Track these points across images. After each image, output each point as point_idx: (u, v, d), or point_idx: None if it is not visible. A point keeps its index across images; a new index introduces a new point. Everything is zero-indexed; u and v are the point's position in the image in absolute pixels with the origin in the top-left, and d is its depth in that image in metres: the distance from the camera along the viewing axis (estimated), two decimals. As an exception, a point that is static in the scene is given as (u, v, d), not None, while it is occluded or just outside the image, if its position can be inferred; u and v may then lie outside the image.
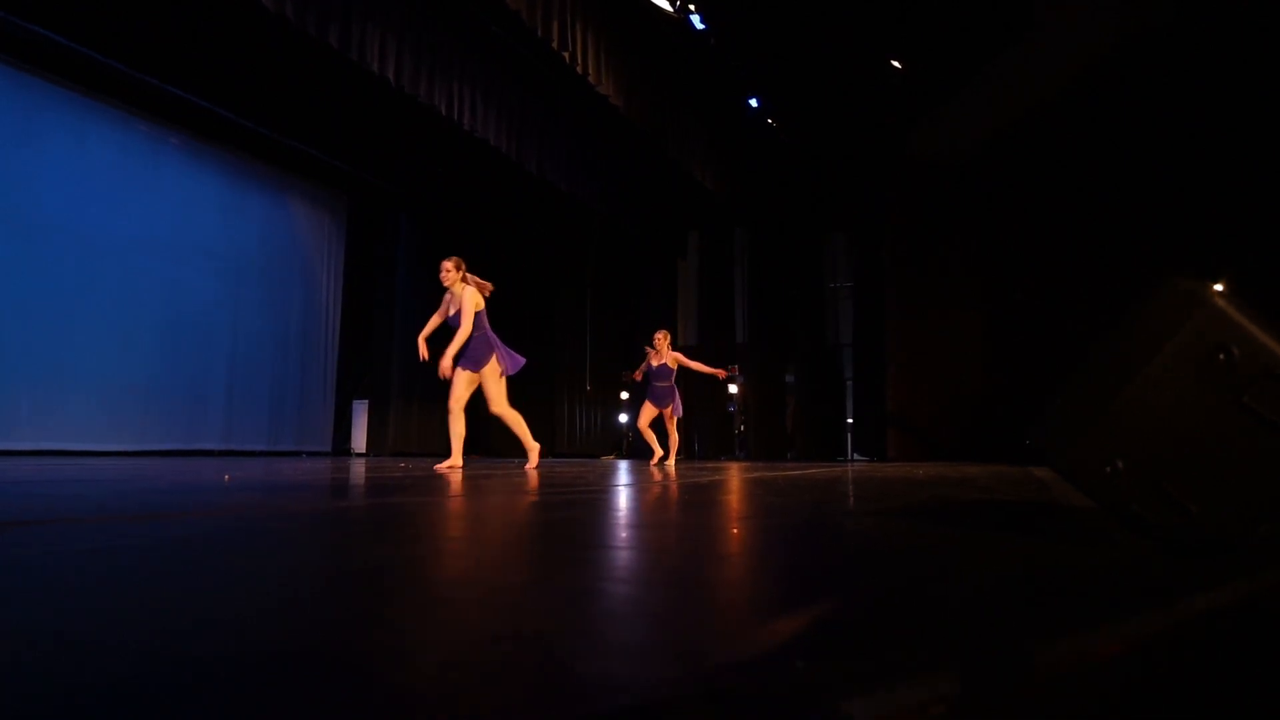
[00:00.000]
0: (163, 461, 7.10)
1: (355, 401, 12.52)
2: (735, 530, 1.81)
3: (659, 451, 8.23)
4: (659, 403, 8.19)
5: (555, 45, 8.29)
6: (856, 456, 12.61)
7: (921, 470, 6.53)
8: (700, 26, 9.33)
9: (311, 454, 11.56)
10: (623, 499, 2.94)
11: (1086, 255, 9.77)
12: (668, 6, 8.98)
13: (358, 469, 5.89)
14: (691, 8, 9.04)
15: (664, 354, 8.16)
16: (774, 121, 11.71)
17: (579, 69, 8.71)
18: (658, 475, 5.07)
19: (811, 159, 12.68)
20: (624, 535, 1.66)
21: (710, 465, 8.38)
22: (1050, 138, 10.06)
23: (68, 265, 8.77)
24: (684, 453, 13.36)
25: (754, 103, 11.19)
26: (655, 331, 8.36)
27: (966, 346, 11.60)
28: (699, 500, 2.87)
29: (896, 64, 9.87)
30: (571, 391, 14.14)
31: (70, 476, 3.74)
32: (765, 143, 12.35)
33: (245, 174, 11.11)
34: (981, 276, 11.51)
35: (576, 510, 2.29)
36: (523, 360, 6.33)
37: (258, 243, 11.27)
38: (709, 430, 13.37)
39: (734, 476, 5.20)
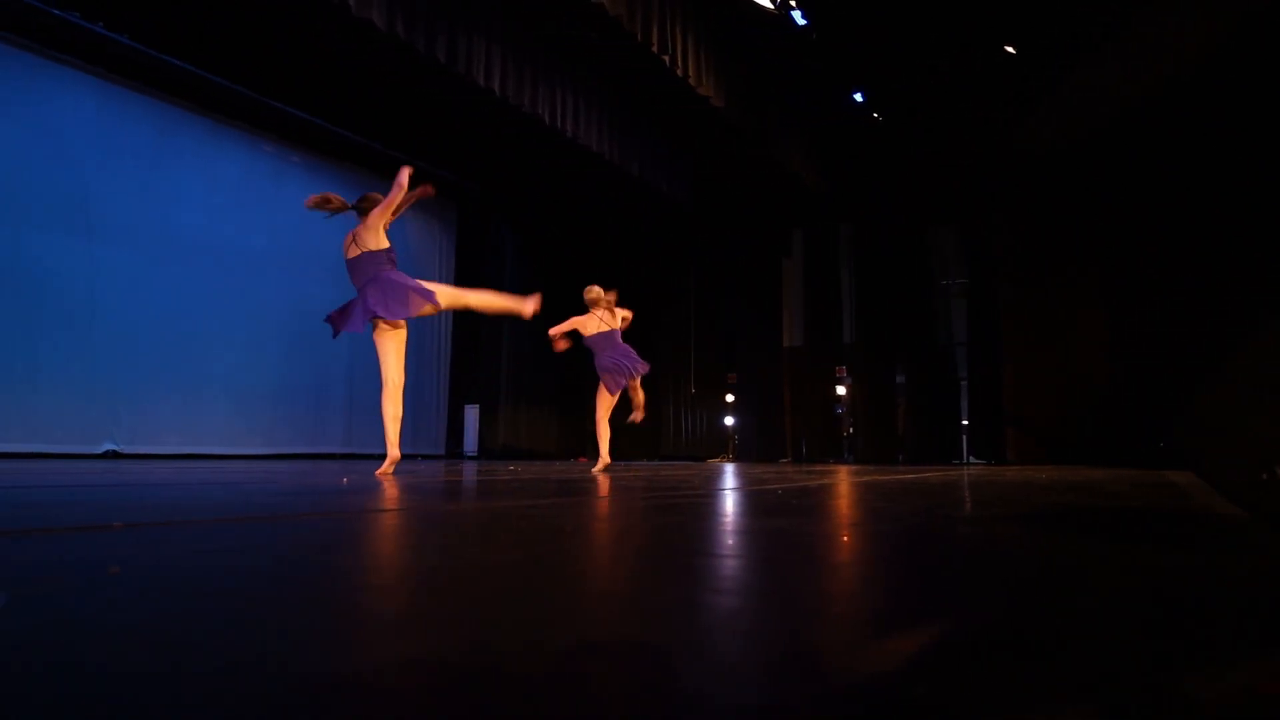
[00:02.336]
0: (290, 464, 7.48)
1: (466, 406, 12.89)
2: (846, 538, 1.75)
3: (606, 458, 6.57)
4: (614, 382, 6.44)
5: (655, 49, 8.31)
6: (972, 459, 12.12)
7: (1044, 474, 6.20)
8: (801, 22, 9.17)
9: (426, 457, 11.96)
10: (729, 503, 2.90)
11: (1217, 247, 9.09)
12: (768, 4, 8.86)
13: (470, 472, 6.04)
14: (792, 4, 8.89)
15: (607, 314, 6.55)
16: (879, 115, 11.39)
17: (679, 71, 8.70)
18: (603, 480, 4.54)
19: (918, 152, 12.28)
20: (730, 542, 1.63)
21: (817, 468, 8.21)
22: (1178, 123, 9.41)
23: (201, 279, 9.35)
24: (791, 454, 13.19)
25: (858, 97, 10.91)
26: (591, 288, 6.65)
27: (1090, 343, 11.00)
28: (807, 505, 2.80)
29: (1010, 49, 9.43)
30: (676, 394, 14.14)
31: (239, 479, 3.97)
32: (869, 137, 12.03)
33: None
34: (1104, 269, 10.89)
35: (684, 516, 2.27)
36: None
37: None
38: (815, 432, 13.11)
39: (842, 480, 5.07)
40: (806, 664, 0.69)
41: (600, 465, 6.44)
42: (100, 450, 8.33)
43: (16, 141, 7.87)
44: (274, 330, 9.95)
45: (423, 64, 7.86)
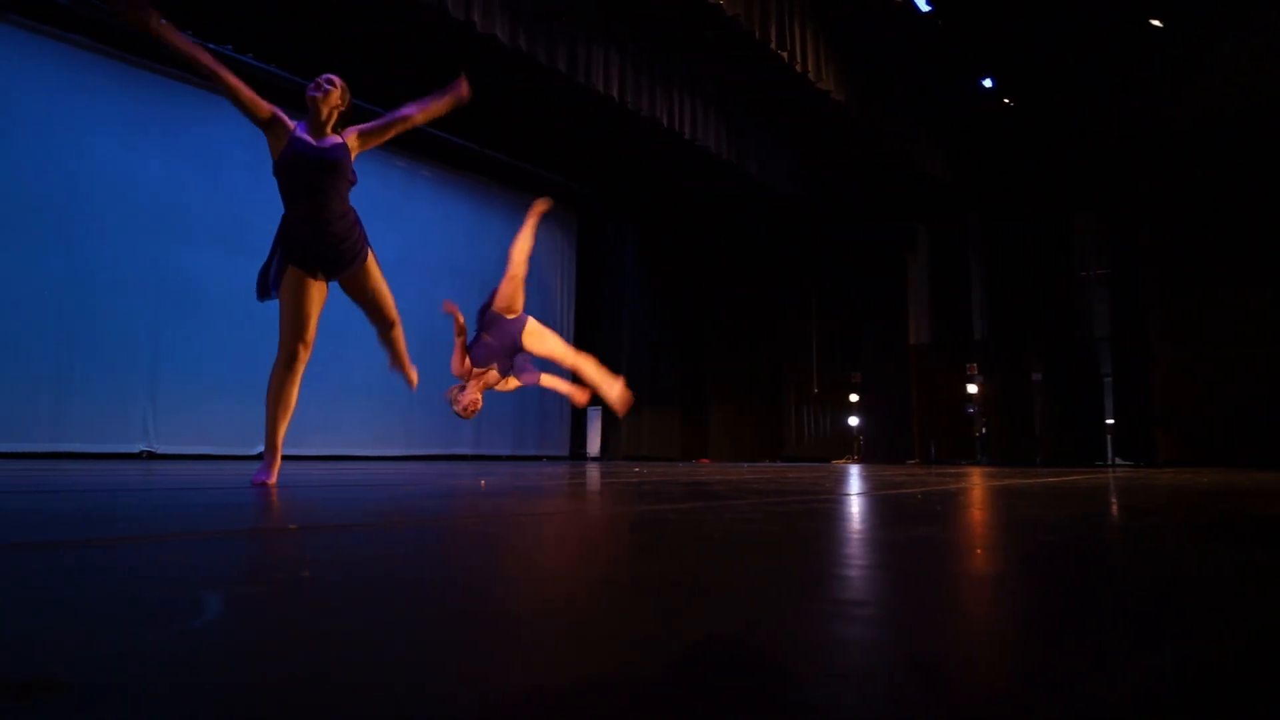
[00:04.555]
0: (427, 465, 7.81)
1: (590, 408, 13.11)
2: (997, 550, 1.68)
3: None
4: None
5: (774, 46, 8.22)
6: (1118, 461, 11.40)
7: (1204, 478, 5.77)
8: (925, 9, 8.87)
9: (551, 458, 12.24)
10: (858, 509, 2.83)
11: None
12: (890, -8, 8.63)
13: (595, 474, 6.14)
14: (916, -10, 8.62)
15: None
16: (1010, 100, 10.88)
17: (798, 67, 8.59)
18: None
19: (1053, 136, 11.66)
20: (865, 553, 1.59)
21: (950, 470, 7.92)
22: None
23: (337, 289, 9.89)
24: (919, 456, 12.76)
25: (987, 83, 10.46)
26: None
27: (1252, 334, 10.16)
28: (942, 512, 2.70)
29: (1156, 22, 8.83)
30: (799, 394, 13.94)
31: (388, 481, 4.19)
32: (998, 123, 11.51)
33: (486, 198, 11.98)
34: (1268, 254, 10.02)
35: (817, 521, 2.24)
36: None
37: (497, 262, 12.05)
38: (945, 432, 12.65)
39: (980, 483, 4.87)
40: (975, 706, 0.67)
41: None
42: (255, 452, 8.94)
43: (176, 166, 8.57)
44: (409, 338, 10.39)
45: (544, 74, 8.05)
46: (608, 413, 12.93)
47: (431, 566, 1.30)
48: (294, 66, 8.77)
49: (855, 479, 5.38)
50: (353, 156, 3.36)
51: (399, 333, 3.91)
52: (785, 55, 8.42)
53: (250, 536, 1.64)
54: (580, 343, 13.26)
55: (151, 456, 8.09)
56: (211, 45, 8.24)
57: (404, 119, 3.48)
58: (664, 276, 13.68)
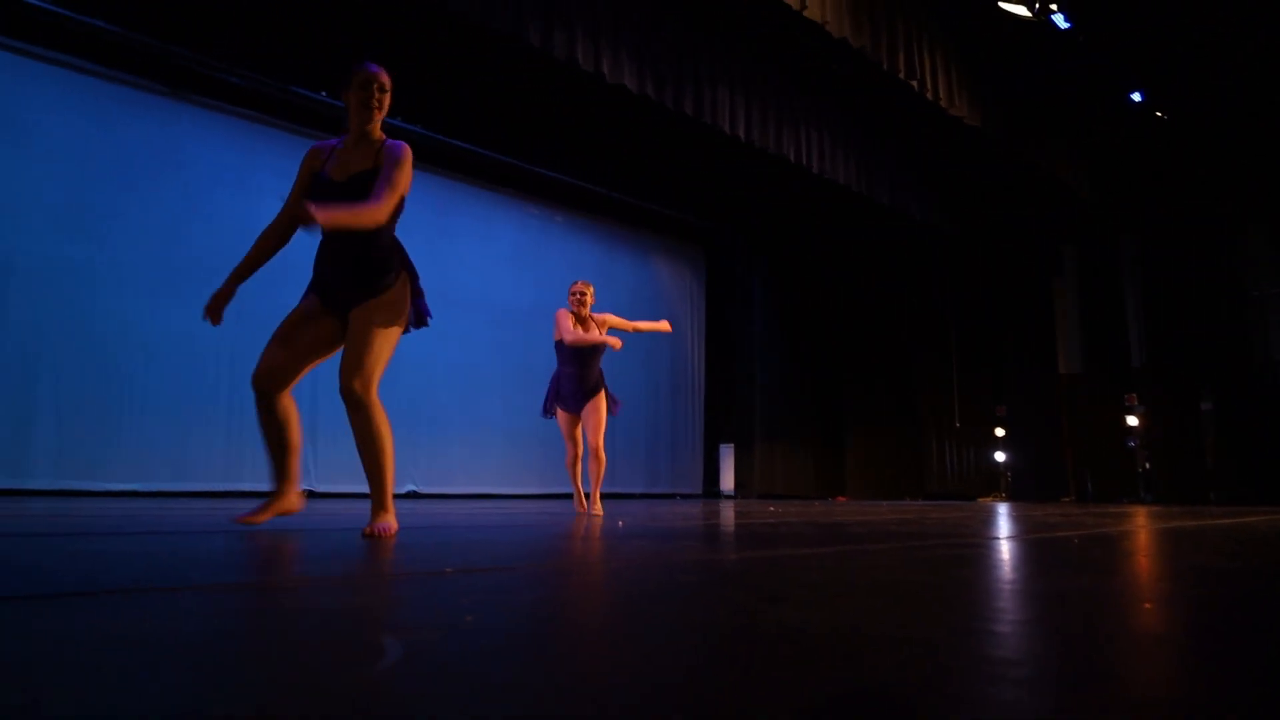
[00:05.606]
0: (561, 505, 7.99)
1: (722, 445, 13.07)
2: (1147, 606, 1.58)
3: (583, 505, 5.59)
4: (568, 403, 5.48)
5: (902, 75, 8.10)
6: (1308, 498, 10.33)
7: None
8: (1064, 26, 8.52)
9: (685, 496, 12.25)
10: (1008, 554, 2.71)
11: None
12: (1025, 12, 8.33)
13: (729, 513, 6.11)
14: (1053, 7, 8.30)
15: (581, 318, 5.53)
16: (1163, 114, 10.24)
17: (928, 95, 8.41)
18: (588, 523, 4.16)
19: (1216, 147, 10.86)
20: (1017, 605, 1.53)
21: (1110, 509, 7.41)
22: None
23: (481, 334, 10.33)
24: (1074, 493, 11.98)
25: (1136, 97, 9.89)
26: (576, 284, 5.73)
27: None
28: (1103, 558, 2.55)
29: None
30: (940, 427, 13.41)
31: (528, 521, 4.35)
32: (1152, 138, 10.84)
33: (615, 240, 12.28)
34: None
35: (964, 568, 2.16)
36: None
37: (628, 301, 12.33)
38: (1103, 468, 11.84)
39: (1142, 525, 4.54)
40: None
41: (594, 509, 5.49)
42: (403, 490, 9.40)
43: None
44: (543, 378, 10.72)
45: (670, 118, 8.22)
46: (741, 449, 12.85)
47: (576, 611, 1.35)
48: (447, 130, 9.35)
49: (1004, 520, 5.13)
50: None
51: (372, 415, 2.82)
52: (915, 84, 8.27)
53: (411, 580, 1.74)
54: (712, 377, 13.30)
55: (312, 495, 8.65)
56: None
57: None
58: (794, 309, 13.55)
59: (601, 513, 5.17)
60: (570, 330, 5.35)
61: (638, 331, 5.97)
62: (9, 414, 7.10)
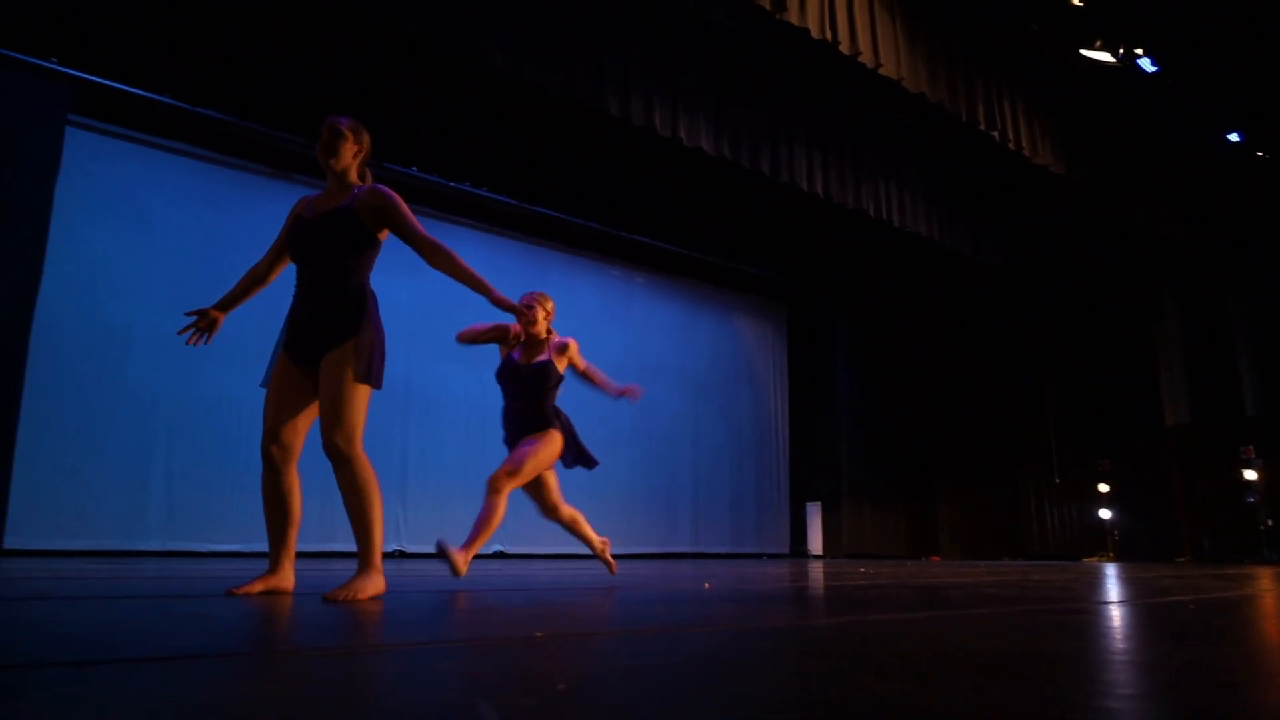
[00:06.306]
0: (645, 564, 7.94)
1: (808, 504, 12.82)
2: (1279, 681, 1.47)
3: (599, 553, 4.82)
4: (507, 442, 4.44)
5: (983, 126, 8.03)
6: None
7: None
8: (1151, 69, 8.33)
9: (771, 556, 12.01)
10: (1118, 621, 2.57)
11: None
12: (1109, 59, 8.19)
13: (818, 574, 5.97)
14: (1139, 51, 8.13)
15: (536, 338, 4.45)
16: (1263, 153, 9.83)
17: (1010, 145, 8.30)
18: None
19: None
20: (1130, 679, 1.45)
21: (1229, 571, 6.94)
22: None
23: (566, 395, 10.47)
24: (1189, 553, 11.26)
25: (1233, 137, 9.54)
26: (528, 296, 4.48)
27: None
28: (1224, 626, 2.39)
29: None
30: (1038, 484, 12.85)
31: (620, 582, 4.35)
32: (1252, 177, 10.40)
33: (697, 298, 12.37)
34: None
35: (1070, 637, 2.06)
36: None
37: (710, 359, 12.37)
38: (1220, 526, 11.11)
39: (1267, 589, 4.24)
40: None
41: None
42: (490, 551, 9.50)
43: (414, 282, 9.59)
44: (624, 436, 10.79)
45: (748, 177, 8.31)
46: (827, 507, 12.56)
47: (668, 679, 1.35)
48: (533, 198, 9.67)
49: (1112, 582, 4.86)
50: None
51: (357, 470, 2.76)
52: (996, 134, 8.18)
53: (501, 645, 1.77)
54: (796, 435, 13.12)
55: (403, 555, 8.81)
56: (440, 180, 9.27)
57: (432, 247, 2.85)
58: (878, 363, 13.32)
59: (461, 570, 3.81)
60: (467, 329, 4.25)
61: (589, 381, 4.85)
62: (125, 477, 7.53)
